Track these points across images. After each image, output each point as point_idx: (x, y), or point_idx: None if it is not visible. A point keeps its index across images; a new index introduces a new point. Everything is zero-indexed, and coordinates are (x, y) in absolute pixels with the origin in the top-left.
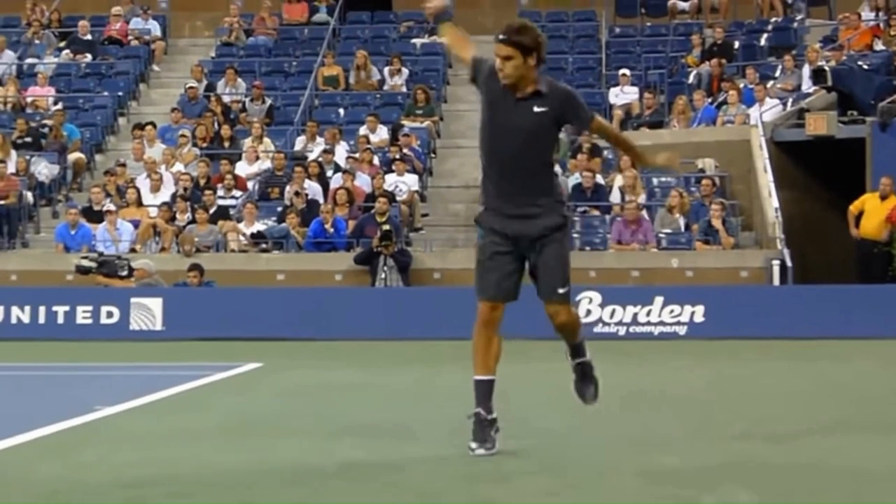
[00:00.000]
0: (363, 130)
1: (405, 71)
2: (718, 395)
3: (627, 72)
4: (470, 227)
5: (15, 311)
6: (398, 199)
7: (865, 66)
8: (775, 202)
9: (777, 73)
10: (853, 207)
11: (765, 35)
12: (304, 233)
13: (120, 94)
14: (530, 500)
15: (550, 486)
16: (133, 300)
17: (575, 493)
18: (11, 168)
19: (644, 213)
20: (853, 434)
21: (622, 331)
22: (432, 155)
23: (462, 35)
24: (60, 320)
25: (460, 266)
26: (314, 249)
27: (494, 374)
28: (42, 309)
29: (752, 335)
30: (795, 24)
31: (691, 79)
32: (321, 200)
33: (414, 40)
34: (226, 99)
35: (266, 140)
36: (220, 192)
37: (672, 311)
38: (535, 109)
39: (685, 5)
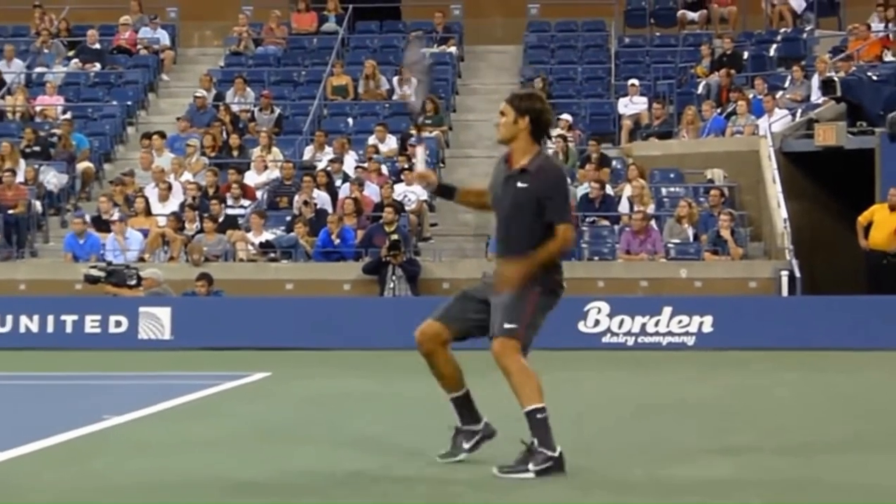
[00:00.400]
0: (372, 140)
1: (414, 80)
2: (728, 405)
3: (636, 82)
4: (479, 237)
5: (23, 320)
6: (407, 208)
7: (875, 77)
8: (784, 213)
9: (786, 84)
10: (862, 218)
11: (774, 45)
12: (312, 242)
13: (129, 103)
14: None
15: (560, 496)
16: (141, 309)
17: (586, 502)
18: (20, 177)
19: (653, 223)
20: (864, 447)
21: (630, 341)
22: (441, 165)
23: (469, 188)
24: (69, 329)
25: (469, 276)
26: (323, 259)
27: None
28: (50, 318)
29: (761, 346)
30: (805, 35)
31: (700, 89)
32: (330, 210)
33: (423, 50)
34: (234, 108)
35: (275, 149)
36: (229, 202)
37: (680, 322)
38: (518, 185)
39: (694, 16)
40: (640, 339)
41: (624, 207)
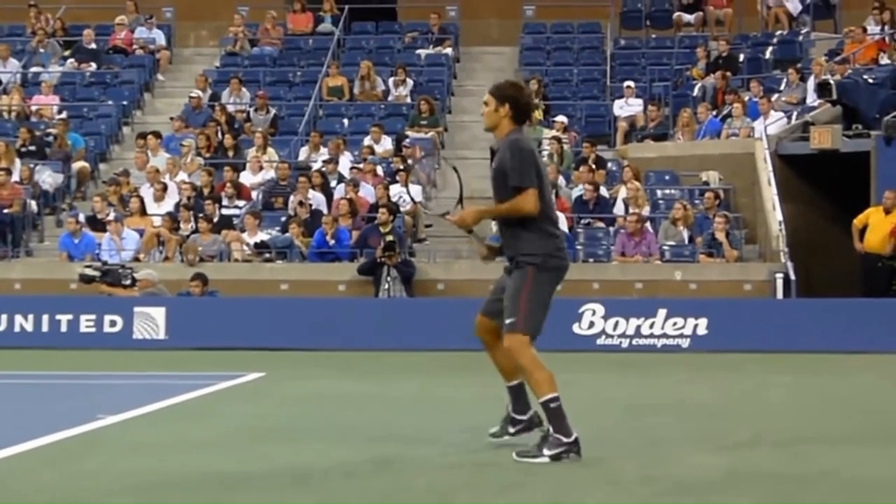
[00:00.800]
0: (367, 141)
1: (410, 81)
2: (722, 407)
3: (632, 84)
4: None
5: (18, 319)
6: (402, 209)
7: (870, 80)
8: (779, 215)
9: (782, 87)
10: (857, 221)
11: (770, 48)
12: (307, 243)
13: (124, 103)
14: None
15: (554, 496)
16: (136, 309)
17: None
18: (15, 176)
19: (648, 225)
20: (858, 445)
21: (625, 343)
22: (436, 166)
23: (486, 207)
24: (64, 329)
25: (464, 277)
26: (318, 259)
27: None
28: (45, 317)
29: (756, 348)
30: (801, 38)
31: (696, 91)
32: (325, 211)
33: (419, 51)
34: (230, 108)
35: (270, 150)
36: (224, 202)
37: (675, 324)
38: (493, 166)
39: (690, 18)
40: (634, 342)
41: (619, 209)
